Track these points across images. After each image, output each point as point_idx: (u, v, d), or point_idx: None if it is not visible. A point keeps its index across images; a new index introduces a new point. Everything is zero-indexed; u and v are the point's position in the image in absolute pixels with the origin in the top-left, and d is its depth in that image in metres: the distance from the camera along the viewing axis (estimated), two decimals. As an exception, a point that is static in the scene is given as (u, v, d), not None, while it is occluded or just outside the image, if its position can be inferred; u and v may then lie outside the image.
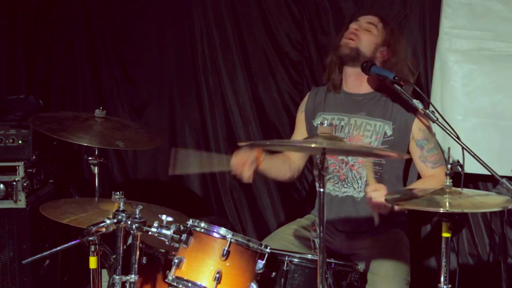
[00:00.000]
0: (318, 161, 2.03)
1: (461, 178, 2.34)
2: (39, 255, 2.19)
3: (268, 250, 2.22)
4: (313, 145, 1.99)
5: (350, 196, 2.74)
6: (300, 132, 2.94)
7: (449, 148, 2.26)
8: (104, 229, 2.16)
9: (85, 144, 2.67)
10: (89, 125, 2.76)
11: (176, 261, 2.18)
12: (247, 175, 2.60)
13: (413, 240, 2.93)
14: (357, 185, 2.73)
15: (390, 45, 2.77)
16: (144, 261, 2.38)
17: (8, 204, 3.11)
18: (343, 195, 2.75)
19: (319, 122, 2.13)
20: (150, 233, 2.16)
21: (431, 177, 2.67)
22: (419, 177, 2.77)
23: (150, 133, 3.12)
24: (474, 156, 2.37)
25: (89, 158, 2.75)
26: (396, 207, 2.55)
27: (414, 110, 2.68)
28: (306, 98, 2.95)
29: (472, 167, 2.58)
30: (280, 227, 3.01)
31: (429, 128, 2.72)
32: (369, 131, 2.72)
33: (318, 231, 2.05)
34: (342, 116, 2.78)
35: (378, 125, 2.72)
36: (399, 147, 2.70)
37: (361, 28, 2.77)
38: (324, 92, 2.88)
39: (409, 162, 2.79)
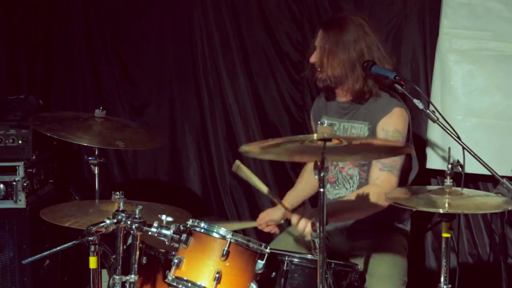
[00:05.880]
0: (318, 161, 2.03)
1: (461, 178, 2.34)
2: (39, 255, 2.19)
3: (268, 250, 2.22)
4: (315, 136, 1.96)
5: (343, 197, 2.74)
6: None
7: (449, 148, 2.26)
8: (104, 229, 2.16)
9: (85, 144, 2.67)
10: (89, 125, 2.75)
11: (175, 261, 2.18)
12: (273, 231, 2.89)
13: (413, 241, 2.93)
14: (348, 185, 2.75)
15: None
16: (144, 261, 2.38)
17: (8, 204, 3.11)
18: (335, 196, 2.76)
19: (319, 122, 2.13)
20: (150, 233, 2.16)
21: (372, 184, 2.62)
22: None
23: (150, 133, 3.11)
24: (474, 156, 2.37)
25: (89, 158, 2.74)
26: None
27: (387, 110, 2.65)
28: (311, 111, 3.04)
29: (472, 167, 2.57)
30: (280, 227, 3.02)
31: (396, 132, 2.63)
32: (354, 134, 2.72)
33: (318, 231, 2.05)
34: (334, 121, 2.78)
35: (359, 127, 2.72)
36: None
37: (318, 57, 2.72)
38: (323, 98, 2.91)
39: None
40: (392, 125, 2.63)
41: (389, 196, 2.31)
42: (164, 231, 2.15)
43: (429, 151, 3.19)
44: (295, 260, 2.31)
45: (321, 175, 1.99)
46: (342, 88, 2.75)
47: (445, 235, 2.19)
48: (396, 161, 2.62)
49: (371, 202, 2.53)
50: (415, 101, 2.52)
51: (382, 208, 2.54)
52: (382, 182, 2.58)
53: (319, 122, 2.11)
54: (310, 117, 3.05)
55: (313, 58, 2.76)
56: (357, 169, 2.72)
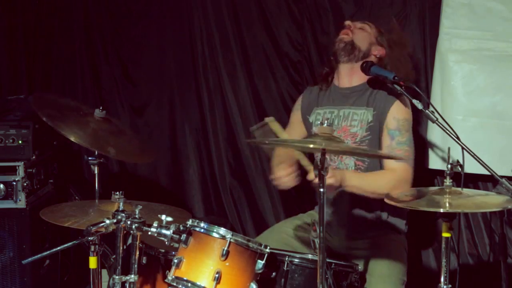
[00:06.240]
0: (318, 161, 2.04)
1: (461, 178, 2.35)
2: (39, 255, 2.19)
3: (267, 250, 2.22)
4: (311, 146, 2.00)
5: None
6: (296, 131, 2.95)
7: (449, 148, 2.26)
8: (103, 229, 2.16)
9: (76, 142, 2.59)
10: (86, 121, 2.70)
11: (175, 261, 2.18)
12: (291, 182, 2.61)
13: (413, 240, 2.93)
14: None
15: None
16: (144, 261, 2.38)
17: (8, 204, 3.11)
18: None
19: (318, 120, 2.15)
20: (149, 233, 2.15)
21: (388, 171, 2.65)
22: None
23: (143, 146, 3.02)
24: (474, 156, 2.37)
25: (89, 158, 2.73)
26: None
27: (395, 97, 2.69)
28: (300, 98, 3.02)
29: (472, 167, 2.58)
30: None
31: (406, 121, 2.68)
32: (355, 120, 2.74)
33: (318, 231, 2.05)
34: (332, 109, 2.82)
35: (362, 113, 2.74)
36: (379, 133, 2.71)
37: (355, 27, 2.83)
38: (317, 90, 2.94)
39: None
40: (402, 113, 2.68)
41: (389, 197, 2.31)
42: (164, 231, 2.15)
43: (429, 152, 3.19)
44: (296, 260, 2.31)
45: (321, 174, 2.00)
46: (350, 67, 2.78)
47: (445, 235, 2.19)
48: (410, 151, 2.68)
49: (388, 184, 2.55)
50: (415, 101, 2.52)
51: (395, 192, 2.45)
52: (399, 171, 2.61)
53: (319, 123, 2.12)
54: (296, 113, 3.00)
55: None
56: (354, 159, 2.73)
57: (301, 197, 3.58)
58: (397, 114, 2.67)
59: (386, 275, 2.57)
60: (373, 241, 2.70)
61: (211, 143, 3.75)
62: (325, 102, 2.87)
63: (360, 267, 2.50)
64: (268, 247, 2.23)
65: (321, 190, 2.02)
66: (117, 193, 2.43)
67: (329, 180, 2.35)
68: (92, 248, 2.20)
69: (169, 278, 2.18)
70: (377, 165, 2.74)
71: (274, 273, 2.30)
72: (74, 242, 2.15)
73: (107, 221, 2.15)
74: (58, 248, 2.16)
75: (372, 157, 2.68)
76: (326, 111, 2.83)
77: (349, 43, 2.78)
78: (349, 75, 2.81)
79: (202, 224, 2.20)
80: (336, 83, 2.87)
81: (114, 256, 2.27)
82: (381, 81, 2.73)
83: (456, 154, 2.38)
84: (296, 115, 2.99)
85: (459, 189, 2.24)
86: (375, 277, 2.56)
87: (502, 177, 2.34)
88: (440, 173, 3.05)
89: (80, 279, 3.55)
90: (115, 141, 2.68)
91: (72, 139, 2.50)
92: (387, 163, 2.67)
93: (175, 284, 2.16)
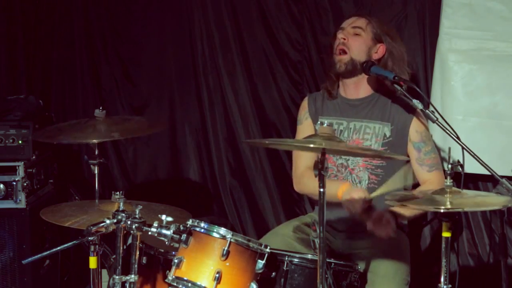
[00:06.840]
0: (318, 161, 2.03)
1: (461, 178, 2.35)
2: (39, 255, 2.19)
3: (268, 250, 2.22)
4: (311, 145, 2.00)
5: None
6: None
7: (449, 148, 2.26)
8: (103, 229, 2.16)
9: (84, 141, 2.65)
10: (89, 125, 2.74)
11: (176, 261, 2.18)
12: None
13: (413, 240, 2.93)
14: None
15: (382, 41, 2.78)
16: (144, 261, 2.38)
17: (8, 204, 3.11)
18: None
19: (319, 122, 2.14)
20: (149, 233, 2.16)
21: (428, 183, 2.68)
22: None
23: (151, 121, 3.09)
24: (474, 156, 2.37)
25: (89, 158, 2.74)
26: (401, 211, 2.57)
27: (412, 111, 2.70)
28: (305, 104, 2.92)
29: (472, 167, 2.58)
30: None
31: (426, 131, 2.72)
32: (368, 134, 2.73)
33: (318, 231, 2.05)
34: (340, 120, 2.79)
35: (377, 127, 2.73)
36: (399, 148, 2.71)
37: (349, 35, 2.77)
38: (321, 97, 2.88)
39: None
40: (422, 125, 2.71)
41: (389, 197, 2.31)
42: (164, 231, 2.15)
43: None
44: (295, 260, 2.32)
45: (321, 174, 2.00)
46: (356, 80, 2.76)
47: (445, 235, 2.18)
48: (437, 157, 2.72)
49: None
50: (415, 101, 2.53)
51: None
52: (436, 180, 2.65)
53: (319, 122, 2.12)
54: (306, 121, 2.90)
55: (341, 35, 2.76)
56: (368, 173, 2.72)
57: (301, 197, 3.58)
58: (418, 127, 2.71)
59: (391, 275, 2.55)
60: (377, 240, 2.68)
61: (211, 143, 3.75)
62: (331, 112, 2.83)
63: (360, 267, 2.50)
64: (268, 247, 2.23)
65: (321, 190, 2.02)
66: (117, 193, 2.43)
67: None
68: (92, 248, 2.20)
69: (170, 278, 2.18)
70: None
71: (274, 273, 2.31)
72: (74, 242, 2.15)
73: (107, 221, 2.15)
74: (58, 248, 2.16)
75: (374, 157, 2.66)
76: (333, 122, 2.78)
77: (349, 62, 2.73)
78: (356, 87, 2.79)
79: (202, 224, 2.20)
80: (343, 94, 2.83)
81: (114, 256, 2.27)
82: (389, 90, 2.72)
83: (456, 154, 2.38)
84: (308, 123, 2.88)
85: (459, 189, 2.24)
86: (380, 277, 2.55)
87: (502, 177, 2.34)
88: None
89: (80, 279, 3.55)
90: (118, 128, 2.73)
91: (95, 141, 2.61)
92: (421, 175, 2.71)
93: (175, 284, 2.16)
